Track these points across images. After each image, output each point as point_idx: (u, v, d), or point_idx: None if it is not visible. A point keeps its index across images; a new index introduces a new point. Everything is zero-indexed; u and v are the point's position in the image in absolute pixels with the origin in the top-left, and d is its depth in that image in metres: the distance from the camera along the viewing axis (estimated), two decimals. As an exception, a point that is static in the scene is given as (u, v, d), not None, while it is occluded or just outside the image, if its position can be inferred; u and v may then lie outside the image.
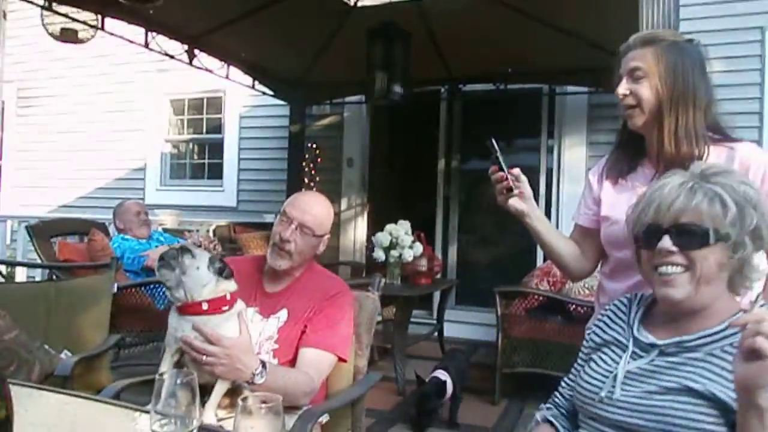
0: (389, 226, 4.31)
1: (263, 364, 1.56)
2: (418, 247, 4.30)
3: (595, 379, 1.22)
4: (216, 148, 6.75)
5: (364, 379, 2.03)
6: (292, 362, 1.73)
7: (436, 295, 5.11)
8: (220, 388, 1.57)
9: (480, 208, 5.93)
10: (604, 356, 1.25)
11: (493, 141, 1.45)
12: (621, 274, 1.52)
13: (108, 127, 7.05)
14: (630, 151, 1.55)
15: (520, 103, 5.66)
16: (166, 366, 1.60)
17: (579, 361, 1.35)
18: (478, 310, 5.46)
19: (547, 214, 5.25)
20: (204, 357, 1.49)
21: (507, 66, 5.04)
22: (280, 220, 1.84)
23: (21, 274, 3.96)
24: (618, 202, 1.50)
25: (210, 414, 1.58)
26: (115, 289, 2.80)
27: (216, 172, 6.72)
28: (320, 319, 1.76)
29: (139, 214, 3.99)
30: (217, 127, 6.76)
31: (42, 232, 3.57)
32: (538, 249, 5.35)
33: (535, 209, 1.54)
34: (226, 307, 1.58)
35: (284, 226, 1.80)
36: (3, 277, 2.73)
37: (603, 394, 1.17)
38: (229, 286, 1.61)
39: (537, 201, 1.57)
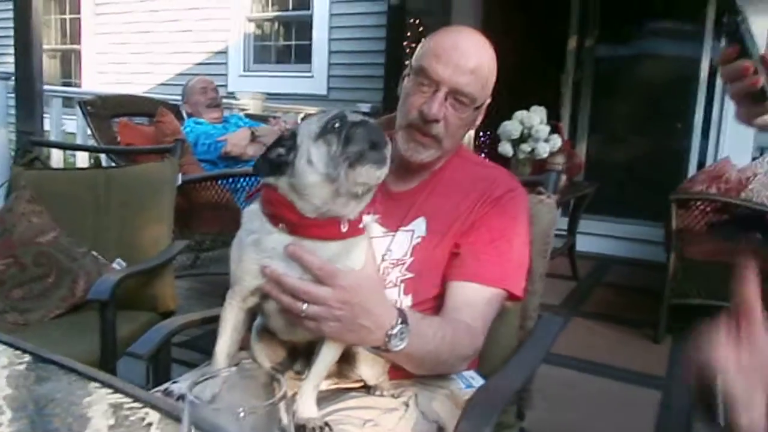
0: (519, 113, 3.41)
1: (403, 316, 0.91)
2: (556, 140, 3.40)
3: None
4: (304, 27, 6.05)
5: (540, 327, 1.30)
6: (435, 302, 1.12)
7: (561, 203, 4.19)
8: (327, 357, 0.92)
9: (619, 99, 5.03)
10: None
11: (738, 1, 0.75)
12: None
13: (189, 3, 6.47)
14: None
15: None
16: (228, 327, 0.92)
17: None
18: (611, 221, 4.69)
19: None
20: (304, 306, 0.84)
21: None
22: (416, 83, 1.11)
23: (81, 163, 3.41)
24: None
25: (310, 404, 0.90)
26: (180, 181, 2.15)
27: (304, 56, 6.06)
28: (482, 233, 1.13)
29: (205, 91, 3.26)
30: (305, 2, 6.06)
31: (100, 110, 2.95)
32: (693, 151, 4.54)
33: None
34: (361, 225, 0.90)
35: (425, 94, 1.09)
36: (42, 163, 2.13)
37: None
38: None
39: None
